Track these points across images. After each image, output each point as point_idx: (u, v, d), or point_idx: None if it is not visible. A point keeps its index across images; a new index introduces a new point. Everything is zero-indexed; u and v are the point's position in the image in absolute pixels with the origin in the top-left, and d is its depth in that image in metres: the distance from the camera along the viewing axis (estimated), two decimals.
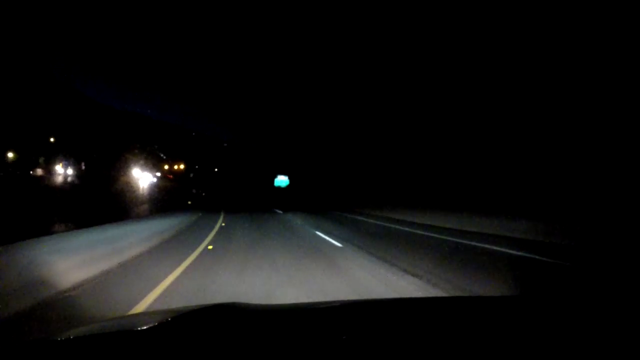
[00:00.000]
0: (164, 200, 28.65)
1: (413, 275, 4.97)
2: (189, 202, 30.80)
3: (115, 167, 59.42)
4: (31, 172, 39.00)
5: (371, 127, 32.87)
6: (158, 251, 6.98)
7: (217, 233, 10.34)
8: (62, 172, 44.98)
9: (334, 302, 2.34)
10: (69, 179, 40.34)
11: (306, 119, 56.62)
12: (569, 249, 7.30)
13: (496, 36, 19.09)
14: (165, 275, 4.79)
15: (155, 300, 3.69)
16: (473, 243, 8.23)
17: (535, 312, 1.29)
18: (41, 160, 42.64)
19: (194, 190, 43.09)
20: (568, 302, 1.52)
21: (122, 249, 6.10)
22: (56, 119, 66.65)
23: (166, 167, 78.54)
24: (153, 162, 74.61)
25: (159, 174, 70.14)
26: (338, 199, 29.40)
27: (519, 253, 6.85)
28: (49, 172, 43.18)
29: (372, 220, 14.79)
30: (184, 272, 5.03)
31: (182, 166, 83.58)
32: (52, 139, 54.11)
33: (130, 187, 38.89)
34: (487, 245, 7.79)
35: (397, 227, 12.32)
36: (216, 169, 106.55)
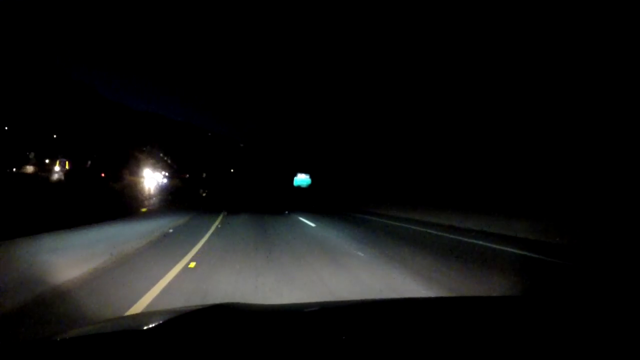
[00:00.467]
0: (163, 200, 23.60)
1: None
2: (185, 204, 25.36)
3: (121, 166, 55.65)
4: (15, 170, 34.24)
5: (391, 126, 32.67)
6: None
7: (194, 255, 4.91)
8: (59, 169, 40.47)
9: (334, 302, 2.36)
10: (61, 176, 35.64)
11: (327, 115, 51.54)
12: (568, 248, 7.60)
13: (497, 39, 20.27)
14: None
15: None
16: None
17: (536, 312, 1.32)
18: (31, 155, 38.21)
19: (201, 191, 38.27)
20: (569, 302, 1.57)
21: None
22: (69, 118, 64.04)
23: (177, 166, 74.27)
24: (164, 161, 70.53)
25: (167, 174, 65.71)
26: (357, 198, 27.67)
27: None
28: (44, 169, 38.72)
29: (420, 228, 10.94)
30: None
31: (194, 165, 79.30)
32: (54, 136, 50.30)
33: (132, 187, 34.07)
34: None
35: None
36: (232, 170, 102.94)
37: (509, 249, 7.03)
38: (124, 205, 16.97)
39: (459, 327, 1.11)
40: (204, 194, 38.80)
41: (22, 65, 64.73)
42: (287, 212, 16.28)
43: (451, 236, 8.66)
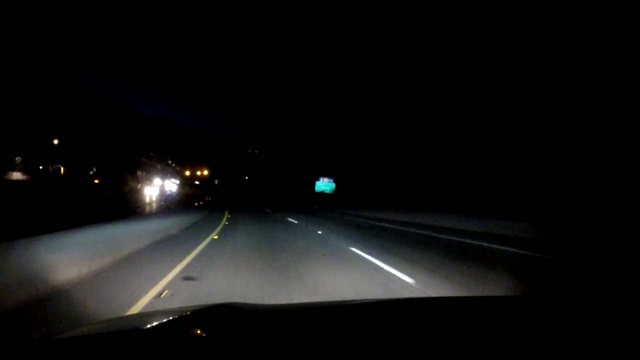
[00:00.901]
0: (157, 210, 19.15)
1: None
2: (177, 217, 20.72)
3: (126, 172, 51.96)
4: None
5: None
6: None
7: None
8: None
9: (334, 302, 2.37)
10: (28, 179, 31.45)
11: (348, 115, 46.42)
12: (552, 244, 8.57)
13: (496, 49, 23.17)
14: None
15: None
16: None
17: (536, 312, 1.31)
18: (18, 160, 34.16)
19: (208, 198, 33.86)
20: (568, 302, 1.55)
21: None
22: (74, 122, 61.49)
23: (187, 173, 70.38)
24: (174, 168, 66.56)
25: (177, 181, 61.58)
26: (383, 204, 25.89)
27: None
28: (35, 175, 34.61)
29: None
30: None
31: (205, 172, 75.28)
32: (55, 141, 46.66)
33: (130, 194, 29.60)
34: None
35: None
36: (246, 177, 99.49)
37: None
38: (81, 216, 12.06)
39: (459, 327, 1.11)
40: (201, 203, 34.39)
41: (28, 69, 61.96)
42: (319, 232, 11.56)
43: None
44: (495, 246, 8.17)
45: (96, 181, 39.99)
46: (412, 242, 8.89)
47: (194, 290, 3.85)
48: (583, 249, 8.07)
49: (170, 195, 36.55)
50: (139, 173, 66.51)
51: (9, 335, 2.52)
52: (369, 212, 22.39)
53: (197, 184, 71.98)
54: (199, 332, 1.04)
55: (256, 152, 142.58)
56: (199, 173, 74.41)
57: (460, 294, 3.90)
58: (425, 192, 27.07)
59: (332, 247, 7.54)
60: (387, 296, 3.74)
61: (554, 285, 4.69)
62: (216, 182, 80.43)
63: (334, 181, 42.70)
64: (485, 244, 8.44)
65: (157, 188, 36.31)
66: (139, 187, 31.77)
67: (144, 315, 1.86)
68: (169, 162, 65.43)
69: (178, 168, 68.81)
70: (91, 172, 46.57)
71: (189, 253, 6.16)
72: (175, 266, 5.00)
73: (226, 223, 13.55)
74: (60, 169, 41.73)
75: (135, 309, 3.29)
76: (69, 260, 4.55)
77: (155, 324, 1.14)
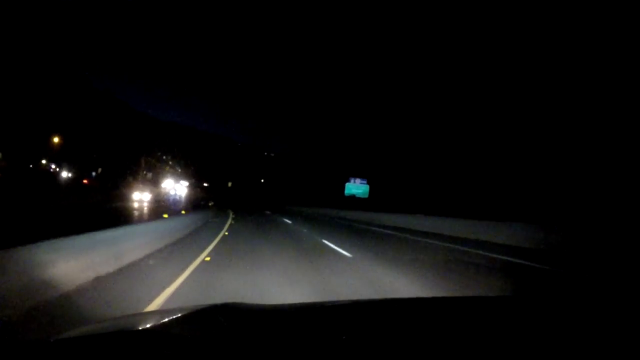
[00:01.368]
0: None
1: None
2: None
3: (128, 174, 48.92)
4: None
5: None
6: None
7: None
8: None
9: (334, 302, 2.25)
10: None
11: (378, 115, 41.19)
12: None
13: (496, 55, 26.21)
14: None
15: None
16: None
17: (534, 312, 1.32)
18: None
19: (210, 203, 29.86)
20: (565, 302, 1.59)
21: None
22: (81, 125, 59.65)
23: (199, 175, 66.79)
24: (185, 171, 63.13)
25: (186, 183, 57.97)
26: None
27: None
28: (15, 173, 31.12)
29: None
30: None
31: (217, 173, 71.64)
32: (56, 140, 43.69)
33: (116, 199, 25.59)
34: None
35: None
36: (262, 180, 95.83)
37: None
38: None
39: (458, 327, 1.11)
40: (210, 204, 30.74)
41: (40, 71, 59.92)
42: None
43: None
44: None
45: (85, 182, 36.42)
46: None
47: None
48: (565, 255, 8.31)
49: (175, 198, 32.33)
50: (148, 175, 63.85)
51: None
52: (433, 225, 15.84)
53: (208, 187, 68.37)
54: (198, 332, 1.03)
55: (272, 155, 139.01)
56: (211, 176, 70.74)
57: None
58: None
59: None
60: None
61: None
62: (229, 184, 77.01)
63: (367, 182, 35.24)
64: None
65: (148, 192, 31.82)
66: (136, 190, 27.46)
67: (145, 315, 1.95)
68: (177, 164, 61.79)
69: (190, 171, 65.25)
70: (94, 174, 43.82)
71: None
72: None
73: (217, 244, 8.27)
74: (52, 169, 38.40)
75: None
76: None
77: (155, 324, 1.14)
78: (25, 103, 50.15)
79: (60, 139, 42.77)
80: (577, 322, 1.15)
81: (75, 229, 4.58)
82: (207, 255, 6.22)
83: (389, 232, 14.51)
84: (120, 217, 14.76)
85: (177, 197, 33.00)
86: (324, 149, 55.50)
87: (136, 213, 18.48)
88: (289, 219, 20.00)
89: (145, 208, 21.62)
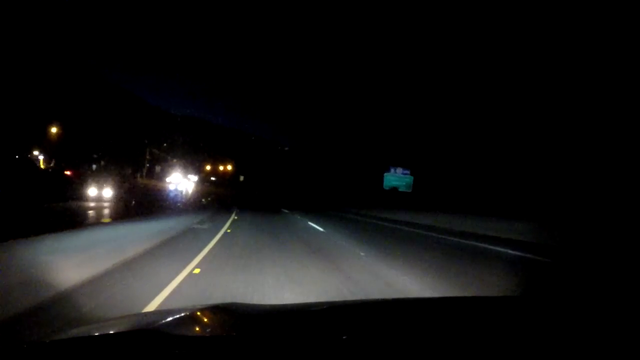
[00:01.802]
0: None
1: None
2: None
3: (130, 167, 45.67)
4: None
5: None
6: None
7: None
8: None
9: (334, 302, 2.41)
10: None
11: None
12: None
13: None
14: None
15: None
16: None
17: (535, 312, 1.29)
18: None
19: (203, 200, 26.01)
20: (567, 302, 1.57)
21: None
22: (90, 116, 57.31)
23: (208, 167, 63.03)
24: (192, 165, 59.47)
25: (195, 178, 54.29)
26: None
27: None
28: None
29: None
30: None
31: (229, 167, 67.80)
32: (53, 130, 40.38)
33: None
34: None
35: None
36: (276, 173, 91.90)
37: None
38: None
39: (459, 327, 1.09)
40: (209, 199, 27.12)
41: (52, 65, 57.39)
42: None
43: None
44: None
45: (68, 173, 32.76)
46: None
47: None
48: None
49: (176, 193, 28.20)
50: (157, 169, 60.85)
51: None
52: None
53: (219, 181, 64.70)
54: (198, 332, 1.01)
55: (286, 148, 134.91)
56: (221, 168, 67.02)
57: None
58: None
59: None
60: None
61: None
62: (241, 178, 73.37)
63: (411, 173, 27.63)
64: None
65: (111, 188, 26.35)
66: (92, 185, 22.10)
67: (144, 315, 1.87)
68: (188, 158, 58.09)
69: (198, 165, 61.62)
70: (95, 166, 40.73)
71: None
72: None
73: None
74: (40, 161, 35.04)
75: None
76: None
77: (155, 324, 1.11)
78: (31, 93, 47.82)
79: (60, 129, 39.70)
80: (585, 323, 1.11)
81: None
82: None
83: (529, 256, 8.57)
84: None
85: (178, 192, 28.88)
86: (349, 136, 48.15)
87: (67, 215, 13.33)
88: (317, 224, 14.24)
89: (106, 208, 17.06)
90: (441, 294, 4.55)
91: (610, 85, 18.55)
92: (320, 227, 13.52)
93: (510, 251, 8.79)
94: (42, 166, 34.44)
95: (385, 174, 29.22)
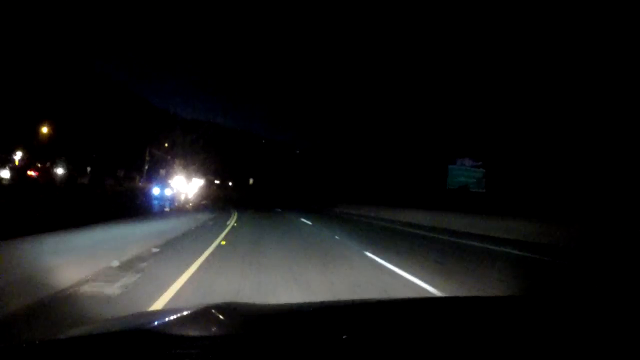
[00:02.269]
0: None
1: None
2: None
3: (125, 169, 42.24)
4: None
5: None
6: None
7: None
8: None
9: (334, 302, 2.32)
10: None
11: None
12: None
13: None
14: None
15: None
16: None
17: (536, 312, 1.29)
18: None
19: (203, 202, 22.26)
20: (568, 302, 1.53)
21: None
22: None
23: (213, 169, 59.32)
24: (193, 165, 55.74)
25: (201, 181, 50.63)
26: None
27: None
28: None
29: None
30: None
31: (237, 169, 64.12)
32: (45, 129, 37.02)
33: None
34: None
35: None
36: (287, 176, 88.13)
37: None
38: None
39: (459, 327, 1.08)
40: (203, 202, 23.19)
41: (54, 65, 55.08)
42: None
43: None
44: None
45: (32, 174, 28.92)
46: None
47: None
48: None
49: (162, 196, 23.88)
50: (162, 172, 57.80)
51: None
52: None
53: (227, 184, 61.10)
54: (198, 332, 1.00)
55: (297, 152, 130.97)
56: (230, 171, 63.30)
57: None
58: None
59: None
60: None
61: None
62: (251, 181, 69.77)
63: (482, 165, 20.51)
64: None
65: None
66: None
67: (144, 315, 1.92)
68: (194, 161, 54.35)
69: (204, 168, 57.91)
70: (89, 169, 37.49)
71: None
72: None
73: None
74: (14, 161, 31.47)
75: None
76: None
77: (155, 324, 1.12)
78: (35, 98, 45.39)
79: (50, 129, 36.51)
80: (588, 323, 1.10)
81: None
82: None
83: None
84: None
85: (166, 196, 24.51)
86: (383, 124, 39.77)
87: None
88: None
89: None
90: None
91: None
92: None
93: None
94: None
95: (449, 166, 22.43)
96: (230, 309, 1.21)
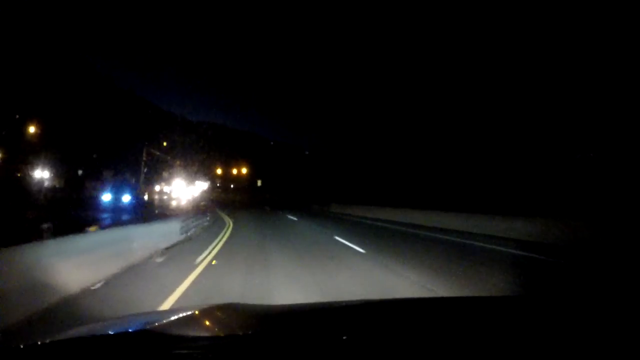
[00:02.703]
0: None
1: None
2: None
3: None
4: None
5: None
6: None
7: None
8: None
9: (334, 302, 2.29)
10: None
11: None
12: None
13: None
14: None
15: None
16: None
17: (535, 312, 1.28)
18: None
19: (203, 203, 19.53)
20: (567, 302, 1.53)
21: None
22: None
23: (219, 171, 56.49)
24: (204, 170, 53.18)
25: (205, 185, 48.06)
26: None
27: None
28: None
29: None
30: None
31: (243, 170, 61.25)
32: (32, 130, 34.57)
33: None
34: None
35: None
36: (297, 177, 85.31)
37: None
38: None
39: (459, 327, 1.08)
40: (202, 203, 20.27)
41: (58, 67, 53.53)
42: None
43: None
44: None
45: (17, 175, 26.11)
46: None
47: None
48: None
49: (132, 201, 20.69)
50: (164, 175, 55.81)
51: None
52: None
53: (234, 187, 58.65)
54: (199, 332, 1.00)
55: (307, 153, 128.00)
56: (236, 173, 60.54)
57: None
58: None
59: None
60: None
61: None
62: (259, 183, 67.21)
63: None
64: None
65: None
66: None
67: (144, 316, 1.82)
68: (197, 163, 51.68)
69: (209, 171, 55.31)
70: (80, 172, 35.06)
71: None
72: None
73: None
74: None
75: None
76: None
77: (155, 324, 1.09)
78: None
79: (38, 129, 34.14)
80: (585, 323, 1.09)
81: None
82: None
83: None
84: None
85: (136, 201, 21.10)
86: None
87: None
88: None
89: None
90: None
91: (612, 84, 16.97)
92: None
93: None
94: None
95: None
96: (232, 310, 1.20)
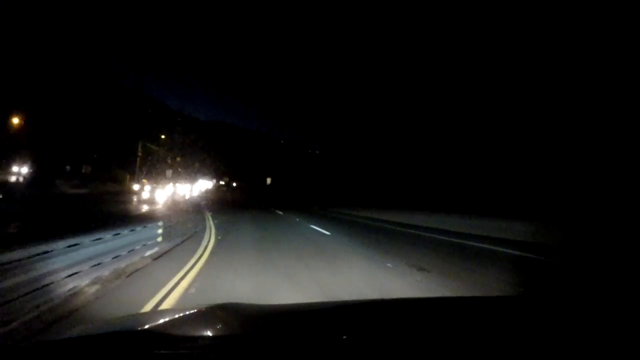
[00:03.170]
0: None
1: None
2: None
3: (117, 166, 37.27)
4: None
5: None
6: None
7: None
8: None
9: (334, 302, 2.27)
10: None
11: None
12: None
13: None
14: None
15: None
16: None
17: (535, 312, 1.27)
18: None
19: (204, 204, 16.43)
20: (566, 302, 1.52)
21: None
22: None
23: (226, 171, 54.10)
24: (210, 169, 50.92)
25: (211, 183, 45.52)
26: None
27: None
28: None
29: None
30: None
31: (252, 171, 59.02)
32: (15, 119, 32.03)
33: None
34: None
35: None
36: (307, 177, 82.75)
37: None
38: None
39: (459, 327, 1.08)
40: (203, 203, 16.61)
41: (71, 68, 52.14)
42: None
43: None
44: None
45: None
46: None
47: None
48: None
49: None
50: (168, 173, 53.78)
51: None
52: None
53: (240, 185, 56.35)
54: (198, 332, 0.99)
55: (317, 152, 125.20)
56: (244, 172, 58.22)
57: None
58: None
59: None
60: None
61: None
62: (268, 181, 65.27)
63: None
64: None
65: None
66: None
67: (144, 315, 1.82)
68: (204, 162, 49.24)
69: (215, 169, 52.94)
70: (68, 168, 32.81)
71: None
72: None
73: None
74: None
75: None
76: None
77: (155, 324, 1.09)
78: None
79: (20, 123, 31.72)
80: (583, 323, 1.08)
81: None
82: None
83: None
84: None
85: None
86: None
87: None
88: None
89: None
90: None
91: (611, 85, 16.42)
92: None
93: None
94: None
95: None
96: (232, 309, 1.20)
